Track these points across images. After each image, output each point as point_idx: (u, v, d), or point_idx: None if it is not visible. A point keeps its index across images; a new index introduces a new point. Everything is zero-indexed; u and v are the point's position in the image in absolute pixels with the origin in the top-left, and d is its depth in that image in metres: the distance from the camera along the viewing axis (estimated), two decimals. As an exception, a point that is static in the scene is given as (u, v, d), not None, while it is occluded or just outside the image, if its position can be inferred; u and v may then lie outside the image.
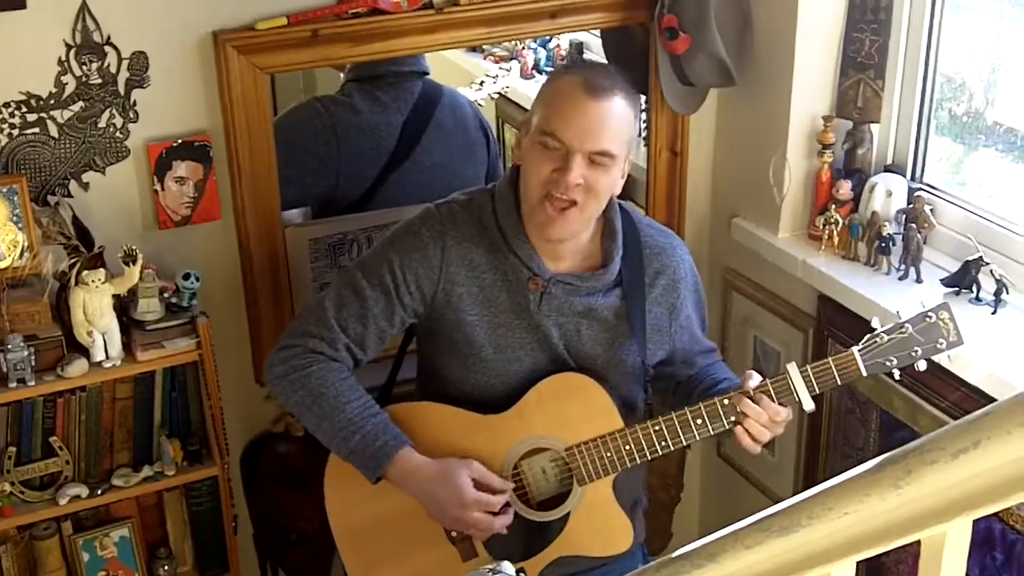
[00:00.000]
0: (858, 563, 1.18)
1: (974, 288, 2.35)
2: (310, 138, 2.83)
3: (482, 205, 2.16)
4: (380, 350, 2.22)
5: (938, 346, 2.00)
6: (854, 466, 1.11)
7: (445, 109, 2.97)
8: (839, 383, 2.04)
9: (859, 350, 2.02)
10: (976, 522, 1.11)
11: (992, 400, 2.09)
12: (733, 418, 2.06)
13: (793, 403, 2.05)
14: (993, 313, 2.32)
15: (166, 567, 2.50)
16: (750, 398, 2.03)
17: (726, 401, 2.06)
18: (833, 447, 2.76)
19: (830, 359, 2.03)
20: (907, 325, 2.00)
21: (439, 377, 2.23)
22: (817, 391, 2.04)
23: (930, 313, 2.00)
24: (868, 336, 2.03)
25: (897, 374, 2.04)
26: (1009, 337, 2.26)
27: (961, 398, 2.28)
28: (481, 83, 3.60)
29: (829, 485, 1.12)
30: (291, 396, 2.15)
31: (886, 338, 2.01)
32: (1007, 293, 2.32)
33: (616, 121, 2.03)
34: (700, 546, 1.27)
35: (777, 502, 1.20)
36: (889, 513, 1.08)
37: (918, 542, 1.14)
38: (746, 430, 2.05)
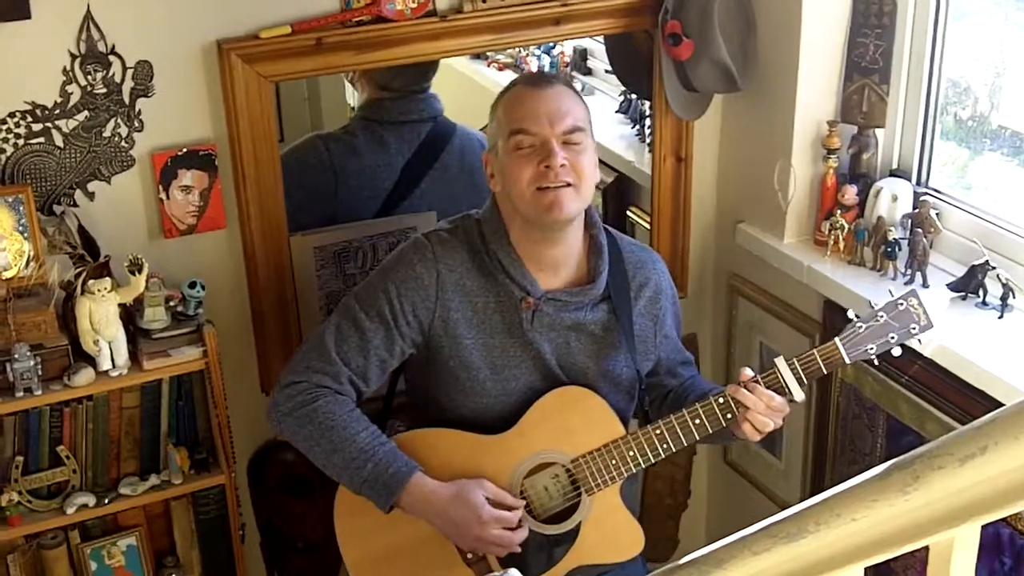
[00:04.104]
0: (866, 569, 1.18)
1: (980, 293, 2.35)
2: (309, 175, 2.82)
3: (468, 230, 2.22)
4: (383, 380, 2.25)
5: (911, 331, 2.11)
6: (861, 472, 1.11)
7: (453, 152, 2.93)
8: (824, 372, 2.13)
9: (841, 340, 2.11)
10: (984, 527, 1.11)
11: (999, 405, 2.08)
12: (729, 415, 2.13)
13: (784, 395, 2.12)
14: (1000, 317, 2.32)
15: (174, 575, 2.50)
16: (745, 388, 2.11)
17: (721, 400, 2.13)
18: (840, 453, 2.75)
19: (815, 351, 2.13)
20: (881, 313, 2.11)
21: (437, 403, 2.25)
22: (806, 382, 2.13)
23: (900, 300, 2.11)
24: (848, 325, 2.13)
25: (876, 360, 2.14)
26: (1016, 341, 2.26)
27: (968, 403, 2.27)
28: None
29: (837, 491, 1.12)
30: (299, 432, 2.16)
31: (863, 327, 2.11)
32: (1013, 297, 2.32)
33: (569, 100, 2.13)
34: (708, 552, 1.27)
35: (784, 508, 1.20)
36: (897, 519, 1.08)
37: (926, 548, 1.14)
38: (750, 423, 2.12)
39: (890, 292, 2.14)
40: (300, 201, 2.67)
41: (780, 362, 2.12)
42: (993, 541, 2.27)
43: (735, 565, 1.22)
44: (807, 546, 1.15)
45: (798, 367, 2.11)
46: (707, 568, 1.25)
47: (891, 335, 2.10)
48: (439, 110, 2.93)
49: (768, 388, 2.11)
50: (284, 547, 2.79)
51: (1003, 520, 2.21)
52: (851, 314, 2.15)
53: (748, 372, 2.13)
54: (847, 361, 2.11)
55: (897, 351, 2.13)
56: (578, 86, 3.05)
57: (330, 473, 2.17)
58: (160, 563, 2.52)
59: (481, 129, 3.34)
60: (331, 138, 2.93)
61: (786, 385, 2.11)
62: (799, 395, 2.12)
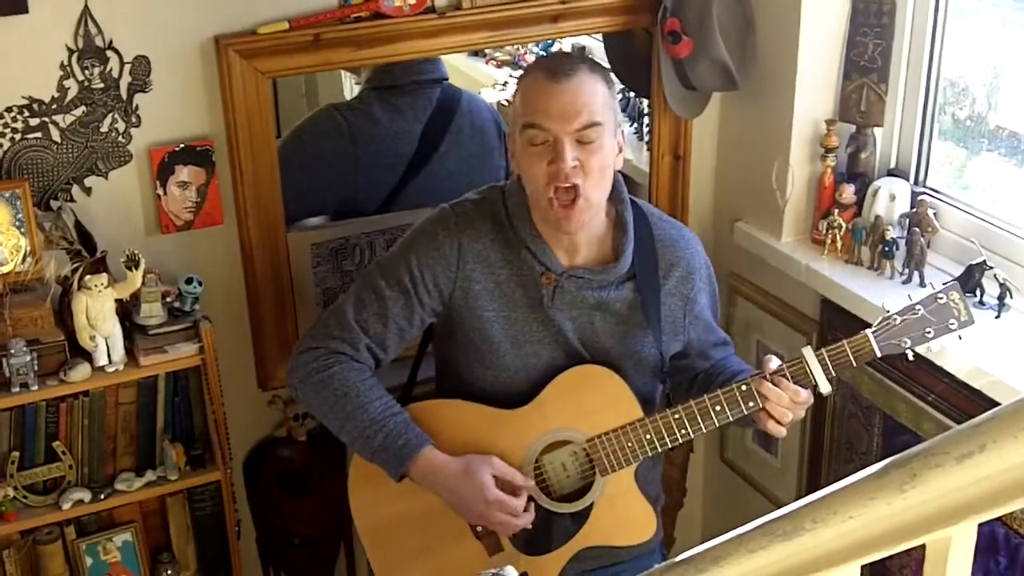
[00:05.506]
0: (862, 567, 1.18)
1: (978, 292, 2.35)
2: (329, 147, 2.83)
3: (494, 202, 2.19)
4: (401, 350, 2.24)
5: (950, 326, 2.03)
6: (857, 471, 1.11)
7: (463, 115, 2.97)
8: (854, 365, 2.06)
9: (873, 332, 2.04)
10: (981, 526, 1.11)
11: (996, 404, 2.09)
12: (751, 403, 2.07)
13: (810, 386, 2.07)
14: (997, 317, 2.32)
15: (169, 571, 2.50)
16: (769, 381, 2.05)
17: (744, 387, 2.07)
18: (836, 452, 2.76)
19: (845, 342, 2.05)
20: (919, 306, 2.04)
21: (459, 375, 2.25)
22: (833, 374, 2.06)
23: (940, 294, 2.04)
24: (881, 318, 2.06)
25: (910, 355, 2.07)
26: (1013, 341, 2.26)
27: (965, 402, 2.28)
28: (504, 84, 3.59)
29: (834, 489, 1.12)
30: (314, 398, 2.17)
31: (899, 320, 2.04)
32: (1011, 297, 2.32)
33: (587, 94, 2.04)
34: (704, 550, 1.26)
35: (780, 507, 1.20)
36: (894, 517, 1.08)
37: (923, 546, 1.14)
38: (768, 413, 2.07)
39: (931, 285, 2.06)
40: (318, 173, 2.67)
41: (807, 352, 2.06)
42: (989, 540, 2.27)
43: (731, 563, 1.22)
44: (803, 544, 1.15)
45: (827, 358, 2.05)
46: (703, 565, 1.25)
47: (928, 330, 2.02)
48: (445, 73, 2.96)
49: (793, 377, 2.05)
50: (280, 543, 2.79)
51: (999, 519, 2.22)
52: (886, 306, 2.08)
53: (774, 363, 2.07)
54: (878, 354, 2.04)
55: (936, 346, 2.05)
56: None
57: (344, 440, 2.18)
58: (156, 559, 2.51)
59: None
60: (346, 108, 2.95)
61: (813, 376, 2.05)
62: (825, 387, 2.05)
